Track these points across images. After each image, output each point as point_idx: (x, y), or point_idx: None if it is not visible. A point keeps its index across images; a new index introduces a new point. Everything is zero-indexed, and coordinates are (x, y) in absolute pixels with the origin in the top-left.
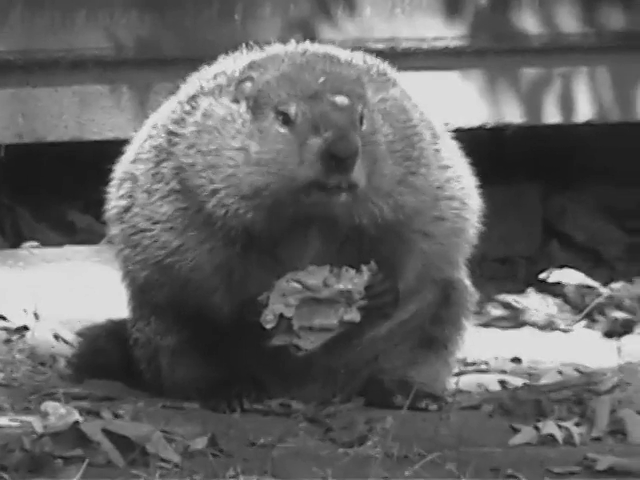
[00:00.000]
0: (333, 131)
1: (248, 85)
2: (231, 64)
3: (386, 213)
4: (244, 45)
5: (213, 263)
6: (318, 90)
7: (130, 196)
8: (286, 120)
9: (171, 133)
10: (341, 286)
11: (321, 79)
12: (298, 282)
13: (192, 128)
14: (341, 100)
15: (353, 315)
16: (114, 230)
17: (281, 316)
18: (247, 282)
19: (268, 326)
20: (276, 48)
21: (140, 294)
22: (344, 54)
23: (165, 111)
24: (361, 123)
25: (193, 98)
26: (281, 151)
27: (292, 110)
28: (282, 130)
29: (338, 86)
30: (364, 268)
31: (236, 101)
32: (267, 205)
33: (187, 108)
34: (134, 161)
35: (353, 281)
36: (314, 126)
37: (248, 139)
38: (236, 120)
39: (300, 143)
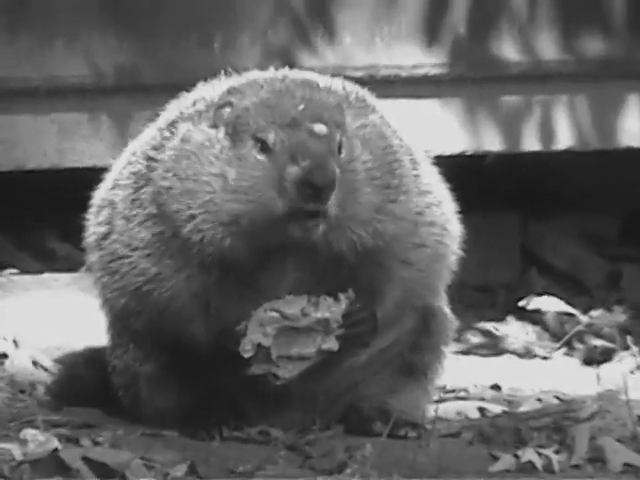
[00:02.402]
0: (311, 160)
1: (227, 110)
2: (210, 90)
3: (365, 240)
4: (223, 72)
5: (190, 291)
6: (297, 118)
7: (108, 223)
8: (264, 148)
9: (150, 159)
10: (319, 315)
11: (300, 106)
12: (276, 311)
13: (170, 153)
14: (319, 128)
15: (331, 344)
16: (93, 257)
17: (259, 345)
18: (224, 311)
19: (246, 355)
20: (255, 74)
21: (118, 321)
22: (323, 80)
23: (144, 138)
24: (339, 151)
25: (172, 124)
26: (258, 178)
27: (270, 138)
28: (260, 157)
29: (317, 114)
30: (342, 297)
31: (214, 126)
32: (244, 232)
33: (166, 134)
34: (113, 187)
35: (331, 310)
36: (292, 154)
37: (226, 165)
38: (214, 146)
39: (278, 171)
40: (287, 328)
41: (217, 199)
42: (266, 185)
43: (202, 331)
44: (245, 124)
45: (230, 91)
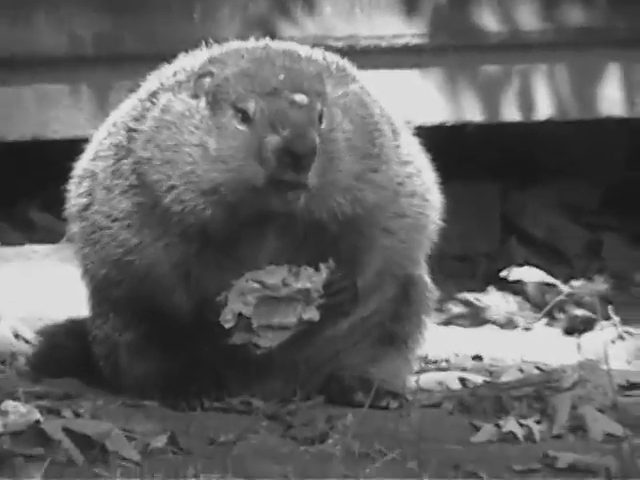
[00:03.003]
0: (291, 129)
1: (207, 80)
2: (190, 60)
3: (345, 208)
4: (203, 43)
5: (170, 261)
6: (277, 87)
7: (89, 194)
8: (245, 117)
9: (130, 130)
10: (299, 285)
11: (281, 76)
12: (257, 281)
13: (151, 123)
14: (300, 98)
15: (312, 314)
16: (74, 228)
17: (240, 315)
18: (205, 281)
19: (227, 325)
20: (236, 44)
21: (99, 291)
22: (303, 50)
23: (125, 109)
24: (320, 121)
25: (153, 95)
26: (239, 148)
27: (250, 107)
28: (240, 127)
29: (297, 83)
30: (322, 267)
31: (195, 96)
32: (224, 202)
33: (147, 105)
34: (94, 159)
35: (311, 280)
36: (272, 124)
37: (206, 135)
38: (194, 116)
39: (258, 140)
40: (268, 298)
41: (197, 169)
42: (246, 154)
43: (183, 301)
44: (225, 93)
45: (211, 61)
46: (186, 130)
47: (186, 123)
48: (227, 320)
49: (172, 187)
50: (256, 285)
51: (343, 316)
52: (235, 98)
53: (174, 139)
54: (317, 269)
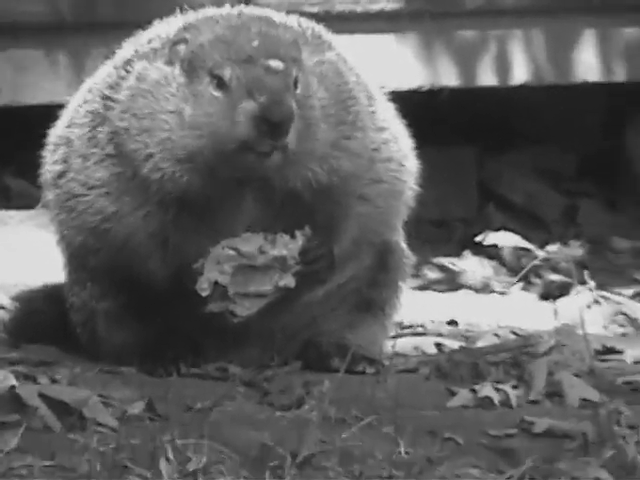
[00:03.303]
0: (267, 96)
1: (182, 47)
2: (165, 27)
3: (320, 177)
4: (178, 10)
5: (148, 229)
6: (252, 54)
7: (65, 161)
8: (220, 84)
9: (106, 98)
10: (275, 252)
11: (255, 42)
12: (233, 249)
13: (127, 92)
14: (275, 64)
15: (288, 281)
16: (49, 195)
17: (216, 283)
18: (182, 249)
19: (203, 294)
20: (210, 11)
21: (75, 259)
22: (279, 17)
23: (101, 76)
24: (295, 87)
25: (128, 62)
26: (215, 114)
27: (226, 74)
28: (216, 94)
29: (273, 50)
30: (298, 234)
31: (170, 63)
32: (201, 168)
33: (122, 73)
34: (69, 125)
35: (287, 247)
36: (248, 90)
37: (182, 102)
38: (170, 83)
39: (234, 107)
40: (244, 266)
41: (174, 136)
42: (223, 121)
43: (160, 269)
44: (200, 60)
45: (185, 27)
46: (162, 98)
47: (162, 91)
48: (203, 289)
49: (149, 155)
50: (232, 253)
51: (319, 283)
52: (211, 65)
53: (150, 107)
54: (293, 236)
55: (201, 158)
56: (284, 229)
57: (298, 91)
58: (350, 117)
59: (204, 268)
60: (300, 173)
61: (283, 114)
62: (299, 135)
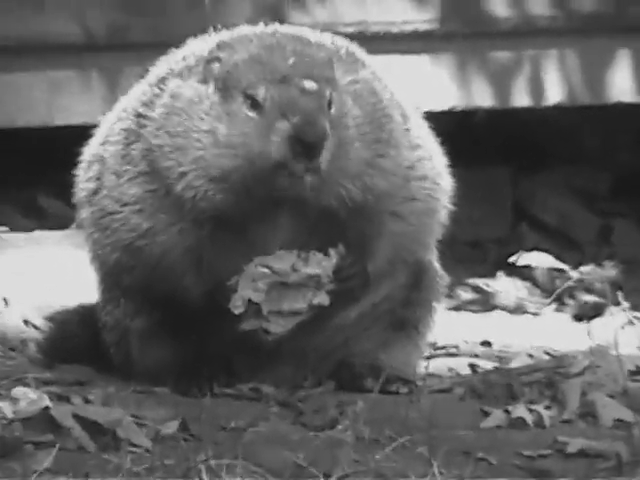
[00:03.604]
0: (301, 116)
1: (216, 66)
2: (199, 45)
3: (354, 195)
4: (213, 28)
5: (183, 246)
6: (287, 74)
7: (98, 178)
8: (254, 104)
9: (140, 115)
10: (309, 270)
11: (290, 61)
12: (266, 267)
13: (161, 110)
14: (310, 85)
15: (322, 299)
16: (83, 213)
17: (250, 301)
18: (217, 265)
19: (237, 311)
20: (245, 29)
21: (109, 277)
22: (313, 35)
23: (135, 94)
24: (329, 107)
25: (162, 80)
26: (249, 134)
27: (260, 94)
28: (250, 114)
29: (307, 70)
30: (332, 252)
31: (204, 82)
32: (235, 188)
33: (156, 91)
34: (103, 143)
35: (321, 265)
36: (282, 111)
37: (216, 121)
38: (204, 102)
39: (268, 127)
40: (278, 283)
41: (208, 155)
42: (256, 141)
43: (194, 285)
44: (235, 80)
45: (220, 46)
46: (196, 116)
47: (195, 109)
48: (237, 306)
49: (183, 174)
50: (266, 271)
51: (353, 302)
52: (245, 85)
53: (184, 125)
54: (327, 254)
55: (235, 177)
56: (318, 247)
57: (332, 111)
58: (384, 135)
59: (238, 286)
60: (334, 191)
61: (317, 135)
62: (333, 154)
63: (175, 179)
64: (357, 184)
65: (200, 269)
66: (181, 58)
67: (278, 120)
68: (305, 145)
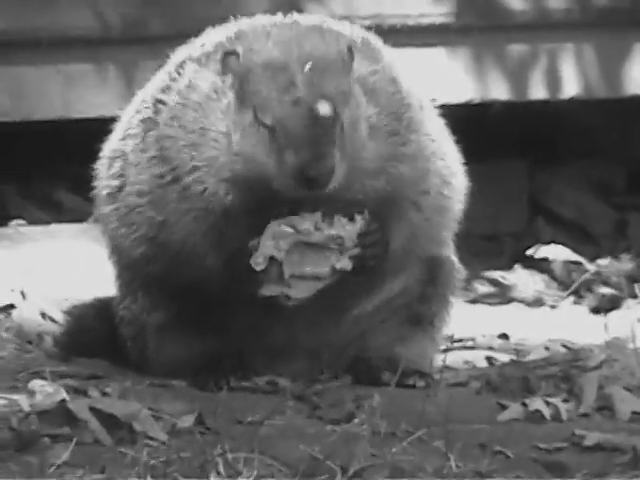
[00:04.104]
0: (308, 151)
1: (233, 60)
2: (218, 33)
3: (378, 187)
4: (232, 18)
5: (200, 231)
6: (299, 96)
7: (121, 175)
8: (266, 125)
9: (158, 101)
10: (333, 232)
11: (307, 67)
12: (290, 226)
13: (176, 98)
14: (323, 110)
15: (344, 263)
16: (105, 209)
17: (272, 259)
18: (236, 240)
19: (258, 268)
20: (264, 19)
21: (130, 270)
22: (332, 24)
23: (153, 83)
24: (342, 127)
25: (180, 65)
26: (260, 150)
27: (269, 119)
28: (262, 130)
29: (323, 82)
30: (357, 217)
31: (222, 74)
32: (247, 190)
33: (174, 75)
34: (124, 138)
35: (345, 228)
36: (290, 140)
37: (232, 127)
38: (221, 99)
39: (277, 150)
40: (300, 243)
41: (222, 157)
42: (267, 159)
43: (217, 264)
44: (248, 92)
45: (238, 36)
46: (212, 115)
47: (213, 106)
48: (258, 263)
49: (195, 168)
50: (289, 229)
51: (372, 274)
52: (256, 102)
53: (200, 122)
54: (351, 219)
55: (246, 183)
56: (343, 213)
57: (345, 126)
58: (403, 123)
59: (259, 245)
60: (354, 188)
61: (322, 171)
62: (346, 164)
63: (185, 172)
64: (380, 177)
65: (220, 248)
66: (200, 45)
67: (287, 147)
68: (310, 179)
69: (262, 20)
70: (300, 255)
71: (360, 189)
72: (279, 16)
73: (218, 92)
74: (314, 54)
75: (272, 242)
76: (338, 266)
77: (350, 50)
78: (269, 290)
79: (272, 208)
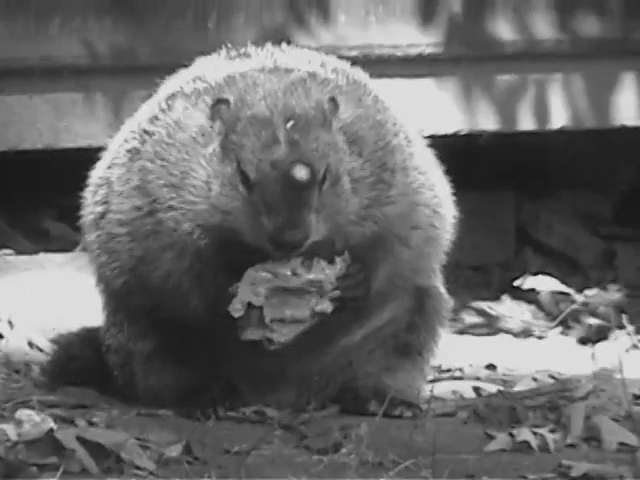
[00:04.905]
0: (283, 218)
1: (224, 108)
2: (210, 69)
3: (367, 231)
4: (222, 47)
5: (180, 268)
6: (278, 159)
7: (105, 202)
8: (245, 182)
9: (145, 132)
10: (311, 276)
11: (289, 125)
12: (267, 271)
13: (163, 133)
14: (300, 174)
15: (325, 306)
16: (90, 236)
17: (250, 305)
18: (218, 280)
19: (236, 315)
20: (253, 59)
21: (114, 300)
22: (318, 61)
23: (142, 113)
24: (323, 181)
25: (170, 97)
26: (236, 209)
27: (251, 177)
28: (241, 188)
29: (302, 146)
30: (338, 259)
31: (211, 119)
32: (222, 239)
33: (163, 106)
34: (110, 167)
35: (324, 272)
36: (267, 205)
37: (213, 177)
38: (207, 146)
39: (254, 212)
40: (279, 289)
41: (199, 204)
42: (242, 217)
43: (200, 302)
44: (233, 145)
45: (228, 82)
46: (195, 160)
47: (197, 150)
48: (236, 309)
49: (171, 207)
50: (267, 275)
51: (355, 315)
52: (239, 158)
53: (182, 165)
54: (331, 262)
55: (223, 234)
56: (323, 255)
57: (326, 184)
58: (388, 169)
59: (237, 290)
60: (339, 237)
61: (296, 238)
62: (326, 222)
63: (162, 208)
64: (366, 222)
65: (203, 286)
66: (191, 79)
67: (263, 211)
68: (284, 244)
69: (251, 61)
70: (280, 299)
71: (344, 236)
72: (267, 51)
73: (205, 136)
74: (297, 110)
75: (250, 288)
76: (318, 309)
77: (334, 100)
78: (251, 334)
79: (249, 255)
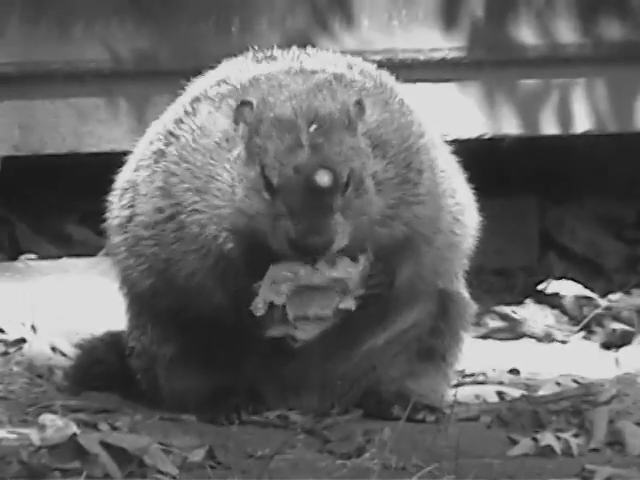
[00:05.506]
0: (305, 223)
1: (247, 110)
2: (235, 72)
3: (395, 232)
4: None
5: (204, 268)
6: (300, 164)
7: (131, 205)
8: (268, 187)
9: (170, 133)
10: (334, 274)
11: (312, 128)
12: (289, 270)
13: (188, 137)
14: (322, 180)
15: (348, 304)
16: (116, 239)
17: (271, 304)
18: (242, 279)
19: (258, 314)
20: (279, 62)
21: (139, 302)
22: (345, 71)
23: (167, 115)
24: (347, 186)
25: (195, 100)
26: (260, 213)
27: (274, 182)
28: (264, 194)
29: (325, 150)
30: (361, 258)
31: (235, 122)
32: (247, 241)
33: (188, 109)
34: (136, 169)
35: (347, 270)
36: (289, 208)
37: (237, 180)
38: (232, 150)
39: (276, 216)
40: (302, 287)
41: (225, 208)
42: (266, 220)
43: (225, 302)
44: (257, 147)
45: (252, 83)
46: (220, 165)
47: (222, 155)
48: (258, 308)
49: (196, 211)
50: (288, 274)
51: (379, 312)
52: (263, 162)
53: (207, 169)
54: (355, 260)
55: (247, 237)
56: (347, 253)
57: (349, 190)
58: (414, 169)
59: (259, 289)
60: (365, 238)
61: (318, 243)
62: (351, 226)
63: (185, 212)
64: (394, 223)
65: (227, 287)
66: (215, 82)
67: (284, 216)
68: (306, 250)
69: (277, 64)
70: (303, 297)
71: (372, 238)
72: (293, 55)
73: (229, 141)
74: (321, 113)
75: (271, 287)
76: (341, 307)
77: (360, 103)
78: (275, 331)
79: (272, 256)
